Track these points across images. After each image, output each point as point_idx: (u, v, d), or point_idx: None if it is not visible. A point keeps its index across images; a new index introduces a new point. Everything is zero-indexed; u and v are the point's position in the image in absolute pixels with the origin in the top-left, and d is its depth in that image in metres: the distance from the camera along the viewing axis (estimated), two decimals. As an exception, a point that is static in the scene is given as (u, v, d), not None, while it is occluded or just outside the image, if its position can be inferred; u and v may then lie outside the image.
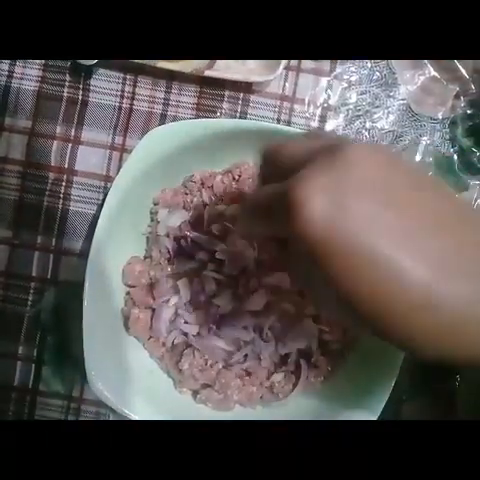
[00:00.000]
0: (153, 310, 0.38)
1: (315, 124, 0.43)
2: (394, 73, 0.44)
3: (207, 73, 0.40)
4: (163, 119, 0.43)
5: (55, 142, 0.43)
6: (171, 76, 0.43)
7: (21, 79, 0.43)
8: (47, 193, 0.43)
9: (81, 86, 0.43)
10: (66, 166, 0.43)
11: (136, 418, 0.35)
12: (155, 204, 0.39)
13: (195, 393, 0.38)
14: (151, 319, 0.38)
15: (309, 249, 0.18)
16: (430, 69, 0.44)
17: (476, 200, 0.43)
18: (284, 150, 0.22)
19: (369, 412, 0.35)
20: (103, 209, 0.36)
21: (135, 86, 0.43)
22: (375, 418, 0.35)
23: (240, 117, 0.43)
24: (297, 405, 0.38)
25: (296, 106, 0.43)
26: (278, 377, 0.37)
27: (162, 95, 0.43)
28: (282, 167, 0.22)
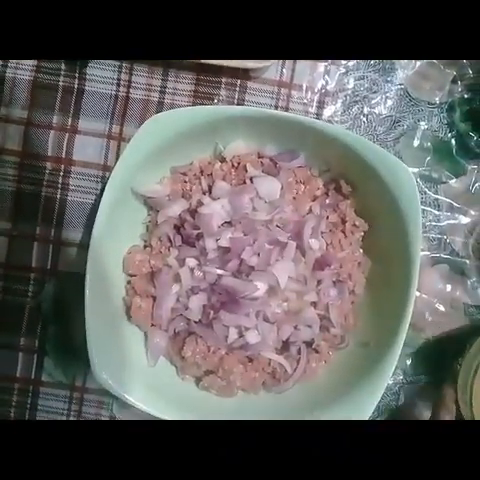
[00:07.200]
0: (154, 298, 0.38)
1: (313, 110, 0.43)
2: (391, 58, 0.44)
3: (204, 60, 0.40)
4: (160, 107, 0.43)
5: (52, 132, 0.43)
6: (167, 63, 0.42)
7: (16, 69, 0.42)
8: (45, 183, 0.43)
9: (77, 75, 0.43)
10: (63, 156, 0.43)
11: (139, 405, 0.36)
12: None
13: (198, 380, 0.39)
14: (152, 307, 0.38)
15: None
16: (427, 53, 0.44)
17: (474, 184, 0.44)
18: None
19: (369, 396, 0.35)
20: (102, 199, 0.36)
21: (131, 74, 0.43)
22: (375, 404, 0.35)
23: (238, 104, 0.43)
24: (297, 394, 0.38)
25: (294, 92, 0.43)
26: (280, 362, 0.38)
27: (159, 83, 0.43)
28: None
